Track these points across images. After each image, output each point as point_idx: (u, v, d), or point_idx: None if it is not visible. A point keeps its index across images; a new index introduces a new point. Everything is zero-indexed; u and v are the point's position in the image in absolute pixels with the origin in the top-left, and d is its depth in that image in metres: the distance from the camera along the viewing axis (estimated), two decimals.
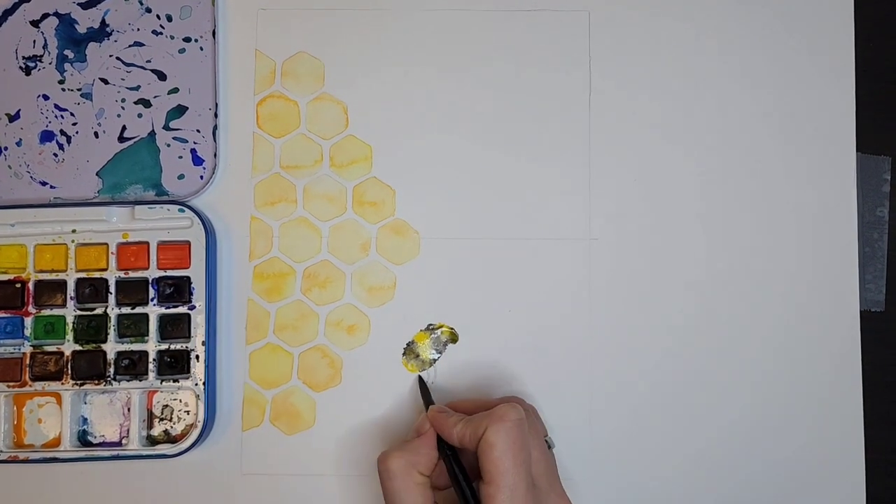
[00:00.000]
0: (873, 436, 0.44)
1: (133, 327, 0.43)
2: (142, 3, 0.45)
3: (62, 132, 0.45)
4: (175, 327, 0.43)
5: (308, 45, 0.46)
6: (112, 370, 0.43)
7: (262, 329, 0.45)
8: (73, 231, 0.44)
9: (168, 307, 0.43)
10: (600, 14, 0.46)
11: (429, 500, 0.37)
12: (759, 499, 0.44)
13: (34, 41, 0.45)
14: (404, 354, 0.45)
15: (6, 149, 0.45)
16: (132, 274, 0.43)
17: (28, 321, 0.43)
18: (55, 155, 0.45)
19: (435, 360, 0.44)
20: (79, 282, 0.43)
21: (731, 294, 0.45)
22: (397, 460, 0.38)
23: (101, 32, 0.45)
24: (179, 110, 0.45)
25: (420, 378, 0.44)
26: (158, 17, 0.45)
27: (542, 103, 0.46)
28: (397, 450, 0.38)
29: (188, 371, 0.43)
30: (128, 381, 0.43)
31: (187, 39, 0.45)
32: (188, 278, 0.43)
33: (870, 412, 0.44)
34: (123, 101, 0.45)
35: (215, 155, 0.45)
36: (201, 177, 0.45)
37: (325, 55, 0.46)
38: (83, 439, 0.44)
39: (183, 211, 0.43)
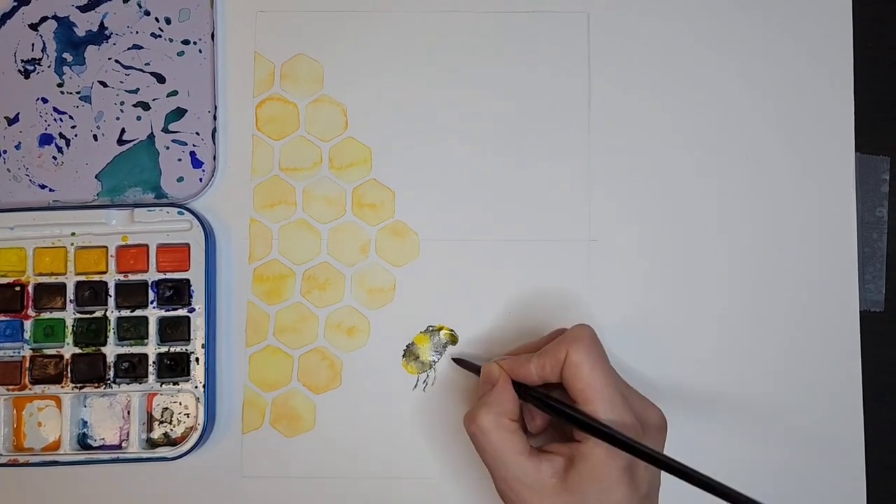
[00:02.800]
0: (873, 436, 0.44)
1: (133, 330, 0.43)
2: (140, 6, 0.45)
3: (61, 135, 0.45)
4: (175, 330, 0.43)
5: (307, 47, 0.46)
6: (112, 373, 0.43)
7: (261, 331, 0.45)
8: (73, 234, 0.43)
9: (168, 310, 0.43)
10: (600, 15, 0.46)
11: (527, 445, 0.37)
12: (759, 498, 0.44)
13: (33, 44, 0.45)
14: (404, 356, 0.45)
15: (5, 152, 0.45)
16: (132, 277, 0.43)
17: (27, 324, 0.43)
18: (54, 158, 0.45)
19: (435, 362, 0.44)
20: (78, 285, 0.43)
21: (731, 294, 0.45)
22: (486, 416, 0.37)
23: (99, 35, 0.45)
24: (178, 113, 0.45)
25: (456, 360, 0.44)
26: (157, 19, 0.45)
27: (541, 105, 0.46)
28: (481, 406, 0.38)
29: (188, 374, 0.43)
30: (127, 383, 0.43)
31: (186, 42, 0.45)
32: (188, 281, 0.43)
33: (869, 412, 0.44)
34: (122, 103, 0.45)
35: (214, 157, 0.45)
36: (200, 179, 0.45)
37: (325, 57, 0.46)
38: (83, 442, 0.43)
39: (182, 213, 0.43)
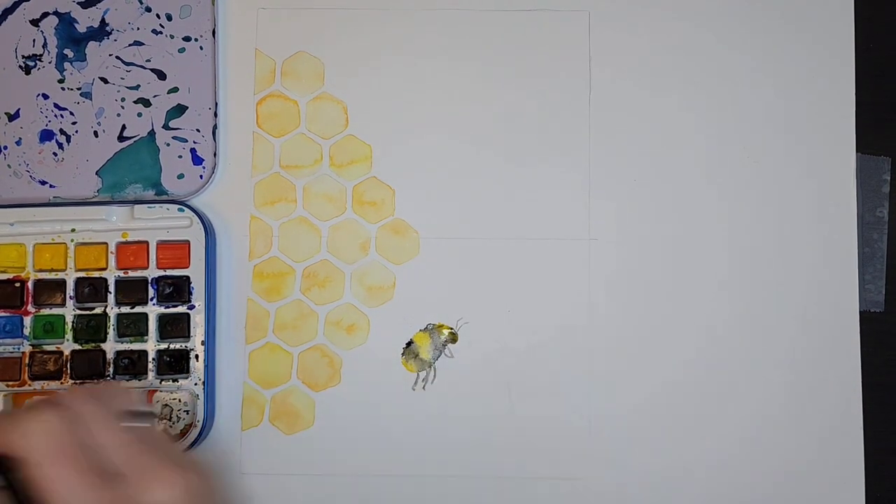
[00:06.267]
0: (873, 436, 0.44)
1: (132, 327, 0.43)
2: (141, 3, 0.45)
3: (62, 131, 0.45)
4: (174, 327, 0.43)
5: (308, 44, 0.46)
6: (111, 369, 0.43)
7: (261, 328, 0.45)
8: (73, 230, 0.43)
9: (167, 307, 0.43)
10: (600, 14, 0.46)
11: None
12: (759, 499, 0.44)
13: (34, 40, 0.45)
14: (404, 354, 0.45)
15: (5, 148, 0.45)
16: (132, 273, 0.43)
17: (27, 320, 0.43)
18: (55, 154, 0.45)
19: (434, 360, 0.44)
20: (78, 281, 0.43)
21: (731, 294, 0.45)
22: None
23: (100, 31, 0.45)
24: (179, 109, 0.45)
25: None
26: (158, 16, 0.45)
27: (542, 103, 0.46)
28: None
29: (187, 371, 0.43)
30: (127, 380, 0.43)
31: (187, 39, 0.45)
32: (188, 278, 0.43)
33: (869, 412, 0.44)
34: (123, 100, 0.45)
35: (215, 154, 0.45)
36: (201, 176, 0.45)
37: (326, 55, 0.46)
38: None
39: (182, 210, 0.43)
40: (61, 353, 0.43)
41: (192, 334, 0.43)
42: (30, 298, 0.43)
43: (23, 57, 0.45)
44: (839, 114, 0.46)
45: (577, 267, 0.45)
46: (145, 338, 0.43)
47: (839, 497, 0.44)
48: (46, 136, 0.45)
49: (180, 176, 0.45)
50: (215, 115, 0.45)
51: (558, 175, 0.45)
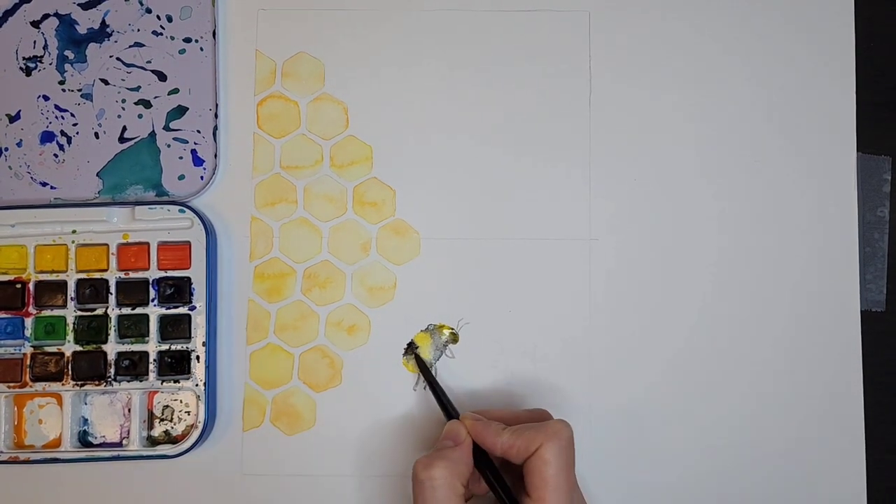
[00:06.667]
0: (874, 435, 0.44)
1: (133, 328, 0.43)
2: (142, 4, 0.45)
3: (62, 133, 0.45)
4: (175, 328, 0.43)
5: (308, 45, 0.46)
6: (112, 371, 0.43)
7: (262, 329, 0.45)
8: (74, 232, 0.44)
9: (168, 308, 0.43)
10: (601, 14, 0.46)
11: None
12: (760, 498, 0.44)
13: (34, 42, 0.45)
14: (405, 355, 0.45)
15: (6, 149, 0.45)
16: (133, 274, 0.43)
17: (28, 322, 0.43)
18: (55, 156, 0.45)
19: (436, 361, 0.44)
20: (79, 282, 0.43)
21: (732, 294, 0.45)
22: (442, 470, 0.36)
23: (101, 33, 0.45)
24: (180, 111, 0.45)
25: (424, 377, 0.43)
26: (158, 17, 0.45)
27: (542, 103, 0.46)
28: (440, 458, 0.37)
29: (189, 371, 0.43)
30: (128, 381, 0.43)
31: (187, 40, 0.45)
32: (189, 279, 0.43)
33: (870, 412, 0.44)
34: (124, 101, 0.45)
35: (216, 155, 0.45)
36: (202, 177, 0.45)
37: (326, 55, 0.46)
38: (84, 440, 0.44)
39: (183, 211, 0.43)
40: (62, 354, 0.43)
41: (193, 335, 0.43)
42: (31, 300, 0.43)
43: (23, 59, 0.45)
44: (839, 114, 0.46)
45: (578, 267, 0.45)
46: (146, 339, 0.43)
47: (840, 496, 0.44)
48: (47, 137, 0.45)
49: (181, 177, 0.45)
50: (216, 116, 0.45)
51: (559, 175, 0.45)
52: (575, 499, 0.37)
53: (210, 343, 0.43)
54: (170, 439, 0.43)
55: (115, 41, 0.45)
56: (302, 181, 0.45)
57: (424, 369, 0.43)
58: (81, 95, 0.45)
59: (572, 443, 0.37)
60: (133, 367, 0.43)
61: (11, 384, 0.43)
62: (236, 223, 0.45)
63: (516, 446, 0.37)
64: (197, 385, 0.43)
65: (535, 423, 0.38)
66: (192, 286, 0.43)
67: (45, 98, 0.45)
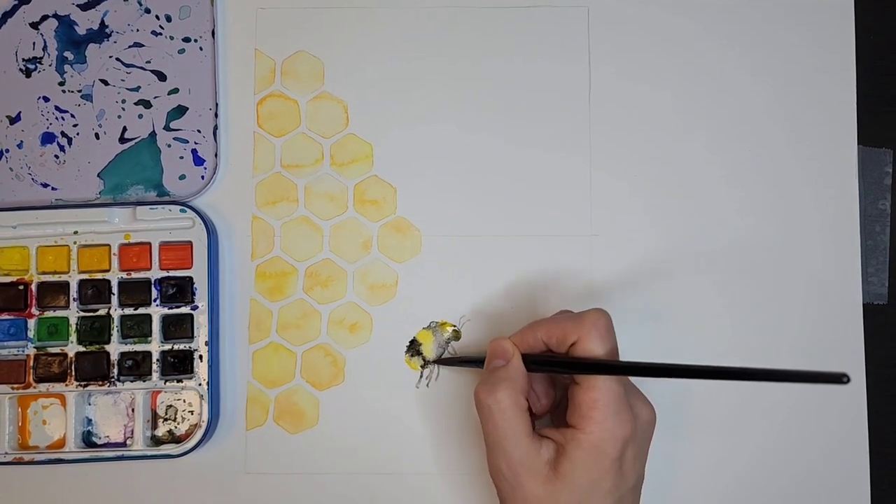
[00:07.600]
0: (876, 429, 0.44)
1: (136, 328, 0.43)
2: (141, 4, 0.45)
3: (63, 134, 0.45)
4: (178, 328, 0.43)
5: (308, 43, 0.46)
6: (116, 371, 0.43)
7: (264, 328, 0.45)
8: (75, 232, 0.44)
9: (171, 307, 0.43)
10: (600, 9, 0.46)
11: (531, 428, 0.37)
12: (761, 494, 0.44)
13: (34, 43, 0.45)
14: (407, 352, 0.45)
15: (7, 151, 0.45)
16: (135, 275, 0.43)
17: (31, 323, 0.43)
18: (56, 157, 0.45)
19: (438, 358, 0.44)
20: (81, 283, 0.43)
21: (734, 288, 0.45)
22: (506, 391, 0.37)
23: (100, 34, 0.45)
24: (180, 111, 0.45)
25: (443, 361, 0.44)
26: (157, 17, 0.45)
27: (542, 99, 0.46)
28: (499, 380, 0.37)
29: (192, 371, 0.43)
30: (131, 381, 0.43)
31: (187, 40, 0.45)
32: (191, 278, 0.43)
33: (873, 406, 0.44)
34: (124, 101, 0.45)
35: (216, 155, 0.45)
36: (202, 177, 0.45)
37: (325, 54, 0.46)
38: (88, 440, 0.44)
39: (184, 211, 0.43)
40: (66, 355, 0.43)
41: (195, 335, 0.43)
42: (33, 301, 0.43)
43: (23, 60, 0.45)
44: (841, 106, 0.46)
45: (580, 262, 0.45)
46: (149, 339, 0.43)
47: (844, 491, 0.44)
48: (48, 138, 0.45)
49: (182, 177, 0.45)
50: (216, 115, 0.45)
51: (559, 172, 0.45)
52: (622, 378, 0.37)
53: (213, 342, 0.43)
54: (173, 439, 0.44)
55: (115, 42, 0.45)
56: (302, 180, 0.45)
57: (442, 361, 0.44)
58: (81, 96, 0.45)
59: (612, 329, 0.37)
60: (136, 367, 0.43)
61: (15, 385, 0.43)
62: (237, 222, 0.45)
63: (555, 338, 0.37)
64: (200, 384, 0.43)
65: (573, 313, 0.38)
66: (194, 286, 0.43)
67: (46, 99, 0.45)
